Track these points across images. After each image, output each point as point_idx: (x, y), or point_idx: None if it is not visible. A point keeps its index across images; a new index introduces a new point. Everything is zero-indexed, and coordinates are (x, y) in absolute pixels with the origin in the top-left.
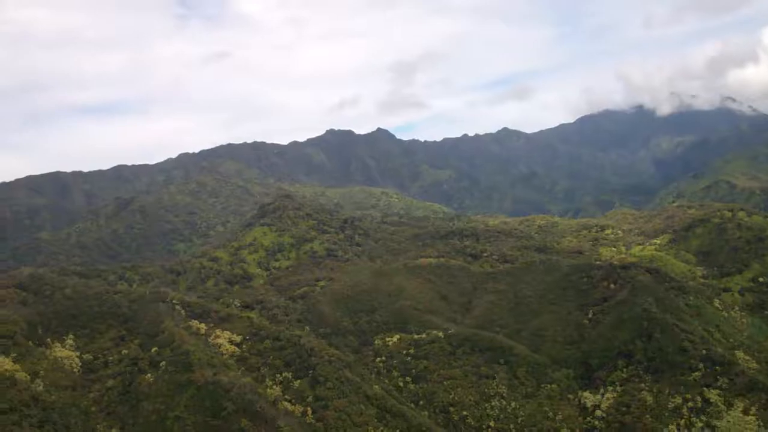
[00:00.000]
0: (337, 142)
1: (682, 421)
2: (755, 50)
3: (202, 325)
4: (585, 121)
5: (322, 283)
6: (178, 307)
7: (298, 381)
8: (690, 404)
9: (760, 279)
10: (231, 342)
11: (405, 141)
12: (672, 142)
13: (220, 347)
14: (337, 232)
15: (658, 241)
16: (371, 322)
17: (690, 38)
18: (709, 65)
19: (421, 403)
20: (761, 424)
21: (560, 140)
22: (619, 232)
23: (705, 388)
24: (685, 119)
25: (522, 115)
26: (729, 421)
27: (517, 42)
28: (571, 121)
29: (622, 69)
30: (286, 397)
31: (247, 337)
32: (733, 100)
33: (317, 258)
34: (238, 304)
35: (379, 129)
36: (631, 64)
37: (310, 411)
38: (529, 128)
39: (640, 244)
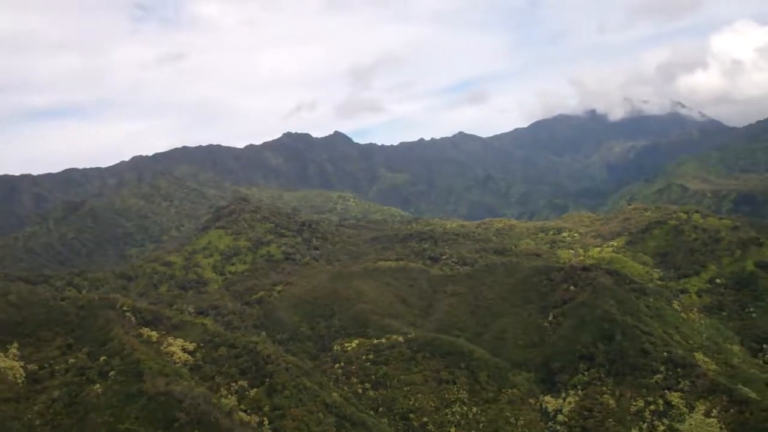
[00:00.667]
0: (294, 146)
1: (644, 425)
2: (705, 56)
3: (154, 333)
4: (539, 126)
5: (279, 288)
6: (128, 313)
7: (255, 390)
8: (652, 407)
9: (717, 281)
10: (184, 350)
11: (362, 145)
12: (624, 147)
13: (172, 355)
14: (295, 236)
15: (616, 243)
16: (330, 328)
17: (642, 44)
18: (660, 71)
19: (380, 410)
20: (723, 426)
21: (515, 144)
22: (576, 234)
23: (667, 391)
24: (636, 124)
25: (478, 119)
26: (691, 424)
27: (475, 48)
28: (526, 125)
29: (576, 74)
30: (241, 406)
31: (201, 345)
32: (683, 105)
33: (274, 262)
34: (192, 310)
35: (336, 132)
36: (584, 69)
37: (267, 421)
38: (485, 132)
39: (597, 246)
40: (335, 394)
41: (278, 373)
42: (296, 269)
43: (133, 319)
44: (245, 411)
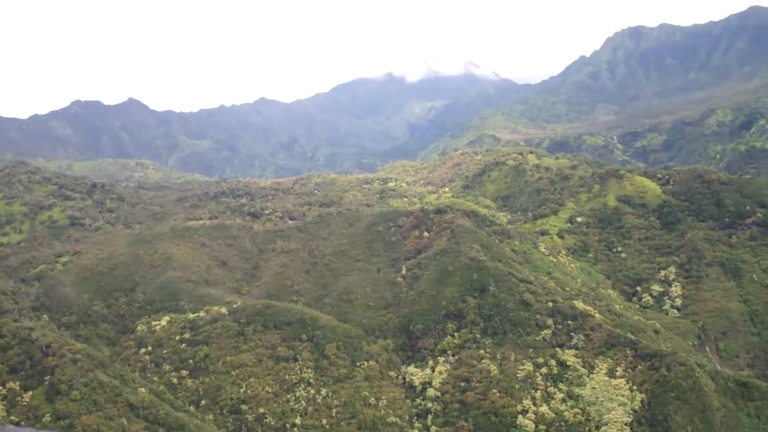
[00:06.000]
0: (85, 114)
1: (538, 393)
2: (497, 18)
3: None
4: (339, 90)
5: (64, 259)
6: None
7: (30, 393)
8: (543, 370)
9: (578, 219)
10: None
11: (160, 112)
12: (424, 107)
13: None
14: (84, 198)
15: (450, 189)
16: (131, 303)
17: (436, 5)
18: (453, 32)
19: (203, 403)
20: (634, 387)
21: (318, 109)
22: (404, 184)
23: (558, 349)
24: (434, 85)
25: (278, 84)
26: (594, 388)
27: (272, 10)
28: (327, 90)
29: (372, 36)
30: (12, 418)
31: None
32: (476, 65)
33: (58, 228)
34: None
35: (130, 99)
36: (380, 31)
37: None
38: (287, 98)
39: (433, 193)
40: (143, 389)
41: (63, 367)
42: (86, 236)
43: None
44: (16, 423)
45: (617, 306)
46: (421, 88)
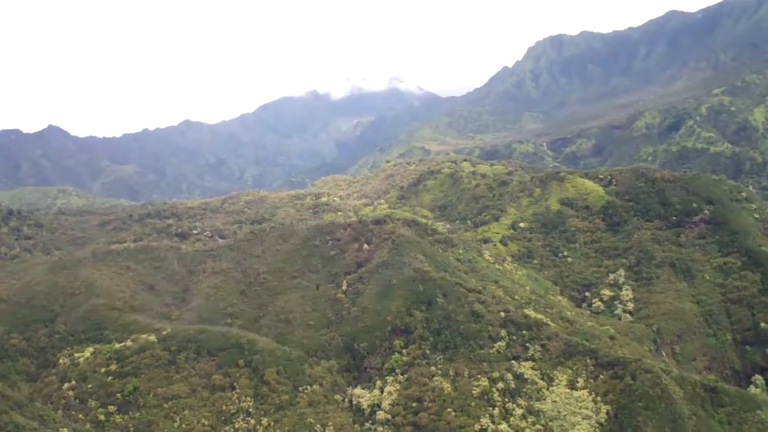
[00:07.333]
0: (3, 143)
1: (496, 410)
2: (419, 33)
3: None
4: (265, 110)
5: None
6: None
7: None
8: (500, 385)
9: (521, 225)
10: None
11: (81, 138)
12: (350, 124)
13: None
14: (0, 226)
15: (385, 201)
16: (52, 335)
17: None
18: (376, 49)
19: None
20: (598, 398)
21: (244, 129)
22: (337, 198)
23: (514, 362)
24: (359, 101)
25: (202, 106)
26: (555, 401)
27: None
28: (252, 110)
29: (295, 55)
30: None
31: None
32: (401, 80)
33: None
34: None
35: (50, 126)
36: (303, 49)
37: None
38: (211, 119)
39: (369, 206)
40: (65, 429)
41: None
42: (1, 265)
43: None
44: None
45: (569, 313)
46: (347, 104)
